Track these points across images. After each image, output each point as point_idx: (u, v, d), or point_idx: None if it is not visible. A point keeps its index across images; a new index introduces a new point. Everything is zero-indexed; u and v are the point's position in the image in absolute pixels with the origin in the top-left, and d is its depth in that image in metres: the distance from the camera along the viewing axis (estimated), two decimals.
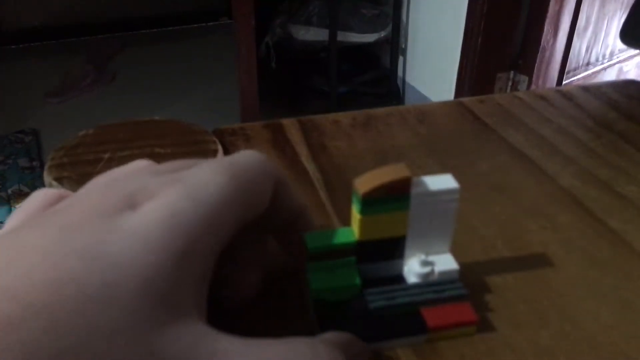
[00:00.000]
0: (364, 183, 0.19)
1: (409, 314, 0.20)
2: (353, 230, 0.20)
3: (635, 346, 0.20)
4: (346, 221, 0.23)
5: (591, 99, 0.38)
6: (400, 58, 1.94)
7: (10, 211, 1.43)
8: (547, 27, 1.55)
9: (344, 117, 0.36)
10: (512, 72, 1.65)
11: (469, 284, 0.23)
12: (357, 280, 0.20)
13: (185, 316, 0.15)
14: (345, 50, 1.84)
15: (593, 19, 1.67)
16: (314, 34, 1.83)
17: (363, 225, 0.20)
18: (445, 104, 0.38)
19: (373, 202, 0.19)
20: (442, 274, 0.21)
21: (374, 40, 1.87)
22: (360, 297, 0.20)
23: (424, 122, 0.35)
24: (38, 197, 0.18)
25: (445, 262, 0.21)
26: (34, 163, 1.65)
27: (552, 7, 1.52)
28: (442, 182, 0.20)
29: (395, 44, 1.86)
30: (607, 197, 0.28)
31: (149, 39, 2.51)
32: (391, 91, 1.92)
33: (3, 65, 2.27)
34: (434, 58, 1.80)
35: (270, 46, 1.86)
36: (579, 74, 1.76)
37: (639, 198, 0.28)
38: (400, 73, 1.96)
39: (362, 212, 0.19)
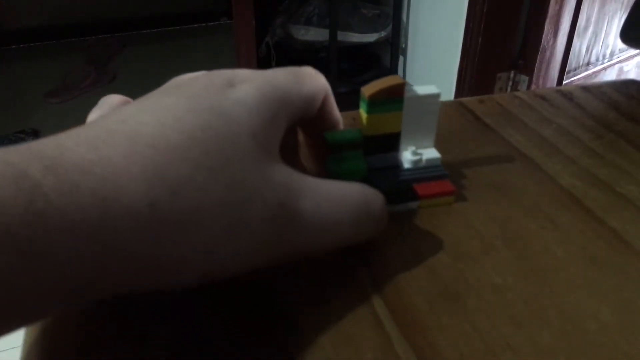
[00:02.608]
0: (369, 88, 0.25)
1: (405, 189, 0.27)
2: (361, 129, 0.26)
3: (636, 346, 0.20)
4: None
5: (591, 98, 0.38)
6: (400, 58, 1.94)
7: None
8: (548, 27, 1.55)
9: (344, 117, 0.35)
10: (512, 72, 1.65)
11: (470, 281, 0.23)
12: (365, 165, 0.26)
13: (278, 161, 0.21)
14: (345, 50, 1.84)
15: (593, 19, 1.67)
16: (314, 34, 1.83)
17: (369, 122, 0.26)
18: (445, 104, 0.38)
19: (376, 103, 0.25)
20: (429, 160, 0.28)
21: (374, 40, 1.87)
22: (368, 178, 0.26)
23: None
24: (113, 98, 0.24)
25: (431, 153, 0.28)
26: None
27: (552, 7, 1.52)
28: (427, 89, 0.27)
29: (395, 44, 1.86)
30: (607, 197, 0.28)
31: (149, 39, 2.51)
32: None
33: (3, 66, 2.27)
34: (434, 58, 1.80)
35: (271, 46, 1.86)
36: (579, 74, 1.76)
37: (639, 198, 0.28)
38: (400, 73, 1.96)
39: (368, 111, 0.26)
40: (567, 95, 0.39)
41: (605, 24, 1.72)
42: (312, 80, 0.24)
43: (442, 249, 0.25)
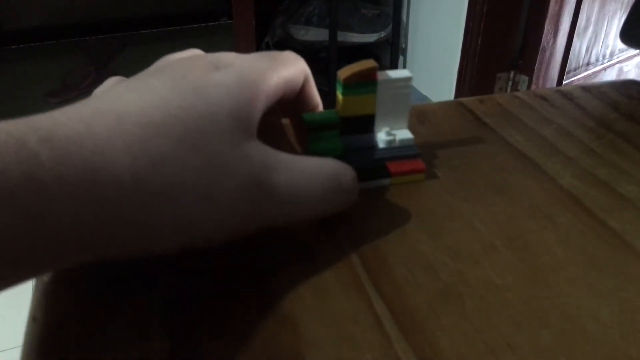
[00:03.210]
0: (344, 72, 0.27)
1: (379, 167, 0.29)
2: (337, 111, 0.28)
3: (636, 346, 0.20)
4: None
5: (591, 99, 0.38)
6: (400, 58, 1.94)
7: None
8: (547, 27, 1.55)
9: None
10: (512, 72, 1.65)
11: (470, 281, 0.23)
12: (341, 145, 0.28)
13: (255, 139, 0.22)
14: (345, 50, 1.84)
15: (593, 19, 1.67)
16: (314, 34, 1.84)
17: (344, 103, 0.27)
18: (445, 104, 0.38)
19: (350, 85, 0.27)
20: (402, 141, 0.29)
21: (374, 40, 1.87)
22: (345, 157, 0.26)
23: (424, 122, 0.35)
24: (115, 78, 0.25)
25: (404, 134, 0.30)
26: None
27: (552, 7, 1.52)
28: (399, 73, 0.28)
29: (395, 44, 1.86)
30: (607, 197, 0.28)
31: (149, 39, 2.51)
32: None
33: (3, 66, 2.27)
34: (434, 58, 1.80)
35: (271, 46, 1.86)
36: (579, 74, 1.76)
37: (639, 198, 0.28)
38: None
39: (343, 93, 0.27)
40: (567, 96, 0.39)
41: (605, 24, 1.72)
42: (292, 64, 0.25)
43: (443, 249, 0.25)
